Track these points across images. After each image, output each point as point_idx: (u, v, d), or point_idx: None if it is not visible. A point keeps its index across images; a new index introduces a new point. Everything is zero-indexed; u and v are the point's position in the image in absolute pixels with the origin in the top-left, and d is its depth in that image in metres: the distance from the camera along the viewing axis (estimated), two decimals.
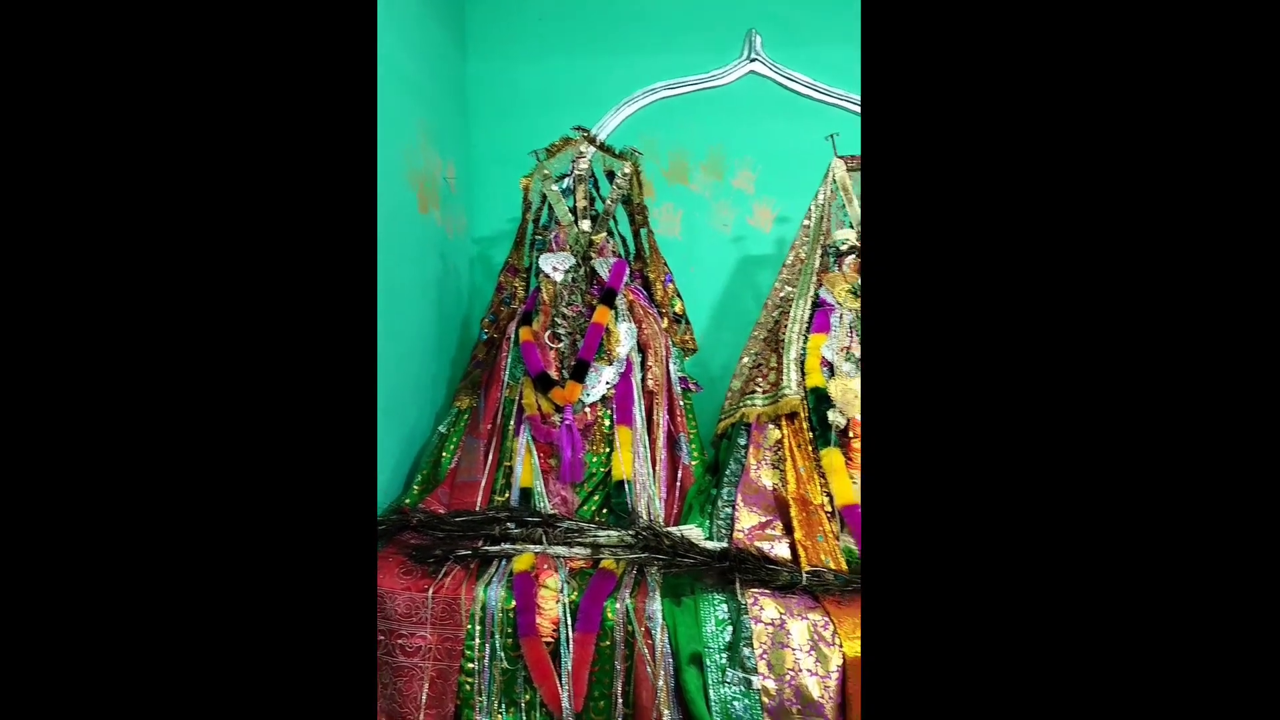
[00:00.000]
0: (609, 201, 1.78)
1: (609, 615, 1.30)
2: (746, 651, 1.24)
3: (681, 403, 1.74)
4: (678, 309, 1.84)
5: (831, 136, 1.72)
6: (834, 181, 1.71)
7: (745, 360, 1.79)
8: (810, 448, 1.53)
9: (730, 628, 1.27)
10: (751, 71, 2.32)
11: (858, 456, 1.50)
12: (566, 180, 1.78)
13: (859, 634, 1.24)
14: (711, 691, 1.22)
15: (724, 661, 1.24)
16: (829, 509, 1.48)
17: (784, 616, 1.27)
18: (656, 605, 1.30)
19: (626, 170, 1.77)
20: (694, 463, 1.67)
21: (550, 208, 1.80)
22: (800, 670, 1.22)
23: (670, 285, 1.84)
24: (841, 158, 1.71)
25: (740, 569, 1.34)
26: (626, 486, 1.55)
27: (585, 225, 1.77)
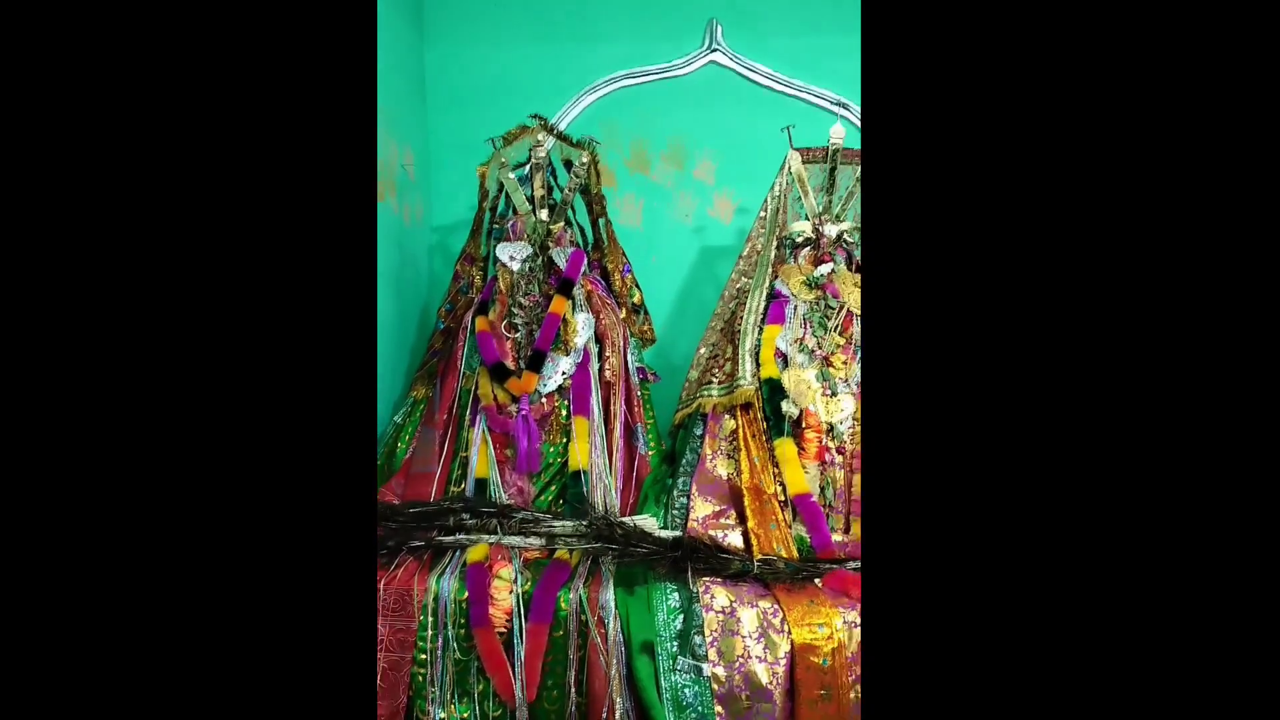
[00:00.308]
0: (567, 191, 1.77)
1: (562, 605, 1.30)
2: (697, 639, 1.25)
3: (639, 393, 1.74)
4: (636, 299, 1.84)
5: (788, 128, 1.73)
6: (790, 173, 1.72)
7: (703, 351, 1.80)
8: (764, 438, 1.55)
9: (682, 616, 1.28)
10: (712, 61, 2.33)
11: (811, 446, 1.52)
12: (524, 169, 1.77)
13: (807, 621, 1.26)
14: (662, 679, 1.24)
15: (675, 650, 1.26)
16: (782, 498, 1.50)
17: (735, 604, 1.29)
18: (609, 595, 1.31)
19: (584, 159, 1.77)
20: (650, 453, 1.68)
21: (508, 196, 1.78)
22: (750, 657, 1.24)
23: (628, 275, 1.84)
24: (798, 150, 1.73)
25: (692, 558, 1.35)
26: (582, 477, 1.55)
27: (543, 214, 1.76)
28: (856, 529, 1.46)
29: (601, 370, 1.67)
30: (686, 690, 1.23)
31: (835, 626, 1.25)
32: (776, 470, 1.52)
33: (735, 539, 1.46)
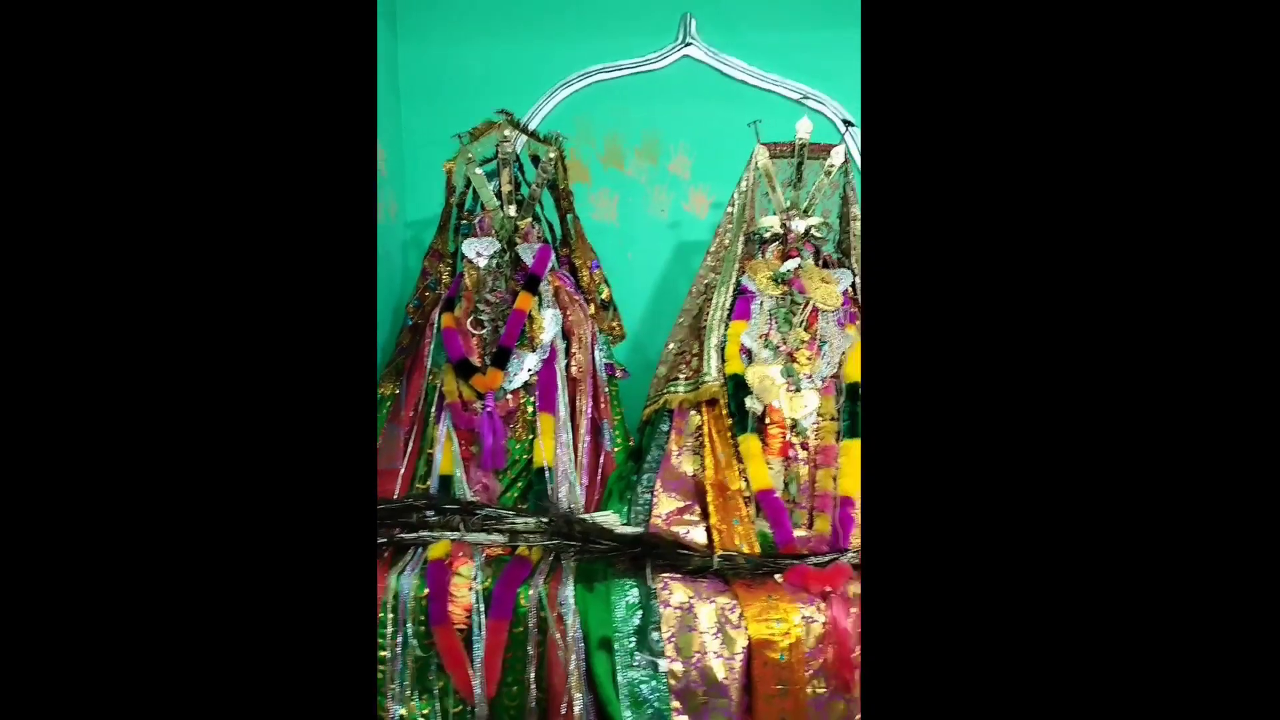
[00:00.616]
0: (534, 186, 1.77)
1: (521, 602, 1.30)
2: (655, 635, 1.26)
3: (607, 389, 1.74)
4: (605, 295, 1.84)
5: (755, 123, 1.73)
6: (757, 168, 1.72)
7: (671, 347, 1.80)
8: (729, 434, 1.55)
9: (640, 612, 1.29)
10: (686, 56, 2.32)
11: (775, 442, 1.52)
12: (491, 164, 1.76)
13: (765, 617, 1.26)
14: (619, 675, 1.24)
15: (633, 646, 1.26)
16: (747, 494, 1.50)
17: (693, 600, 1.29)
18: (569, 591, 1.31)
19: (551, 155, 1.76)
20: (617, 449, 1.68)
21: (476, 192, 1.78)
22: (707, 652, 1.24)
23: (597, 271, 1.83)
24: (765, 144, 1.72)
25: (652, 554, 1.35)
26: (547, 473, 1.55)
27: (511, 210, 1.75)
28: (820, 524, 1.46)
29: (568, 367, 1.67)
30: (643, 686, 1.24)
31: (793, 622, 1.26)
32: (741, 466, 1.52)
33: (699, 534, 1.46)
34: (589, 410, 1.67)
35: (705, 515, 1.48)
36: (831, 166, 1.69)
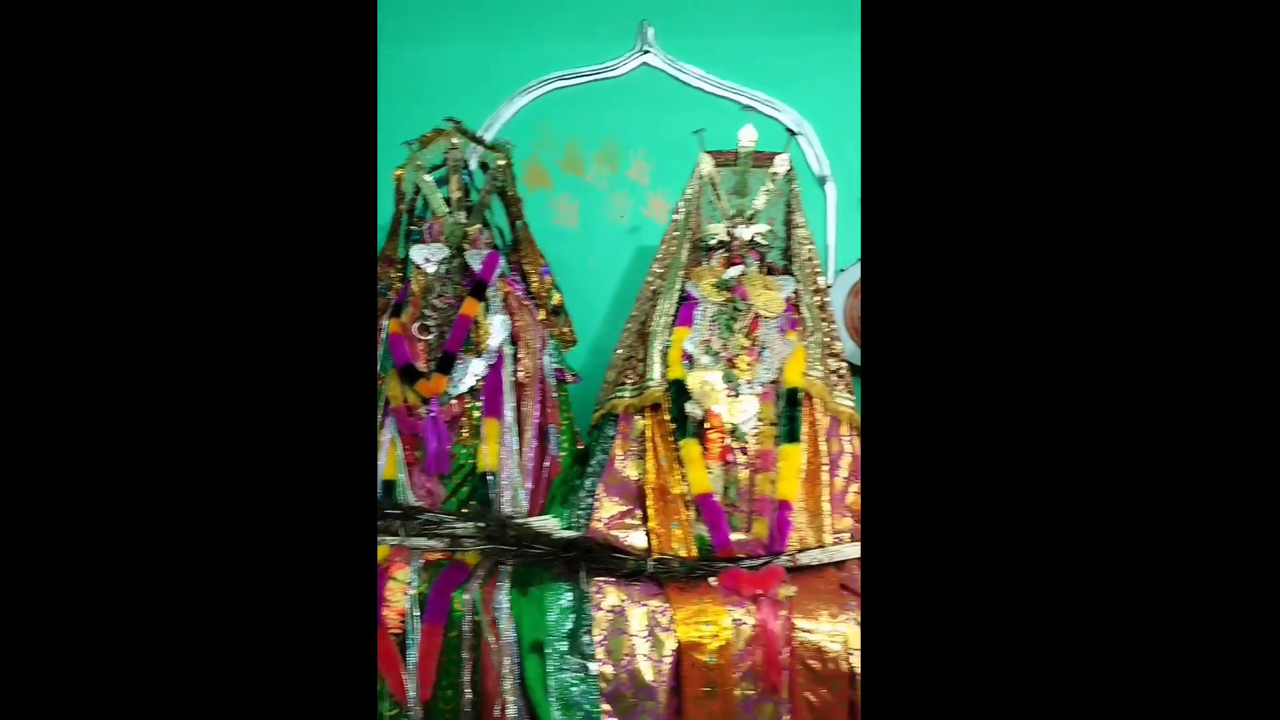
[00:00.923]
0: (483, 193, 1.78)
1: (456, 606, 1.32)
2: (586, 639, 1.27)
3: (555, 394, 1.75)
4: (556, 301, 1.85)
5: (699, 131, 1.75)
6: (701, 177, 1.74)
7: (620, 352, 1.81)
8: (671, 439, 1.56)
9: (573, 616, 1.30)
10: (644, 63, 2.34)
11: (714, 447, 1.54)
12: (441, 170, 1.78)
13: (695, 619, 1.28)
14: (550, 678, 1.26)
15: (564, 649, 1.27)
16: (688, 498, 1.52)
17: (625, 603, 1.30)
18: (504, 595, 1.32)
19: (500, 162, 1.78)
20: (563, 454, 1.70)
21: (425, 199, 1.79)
22: (636, 655, 1.26)
23: (548, 277, 1.85)
24: (710, 153, 1.74)
25: (587, 558, 1.37)
26: (491, 479, 1.56)
27: (460, 216, 1.77)
28: (757, 527, 1.48)
29: (515, 372, 1.68)
30: (574, 689, 1.25)
31: (723, 625, 1.27)
32: (682, 470, 1.54)
33: (637, 539, 1.48)
34: (536, 415, 1.69)
35: (646, 519, 1.50)
36: (776, 175, 1.71)
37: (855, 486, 1.57)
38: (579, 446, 1.76)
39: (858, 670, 1.24)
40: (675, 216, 1.79)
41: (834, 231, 2.22)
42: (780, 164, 1.71)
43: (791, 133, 1.77)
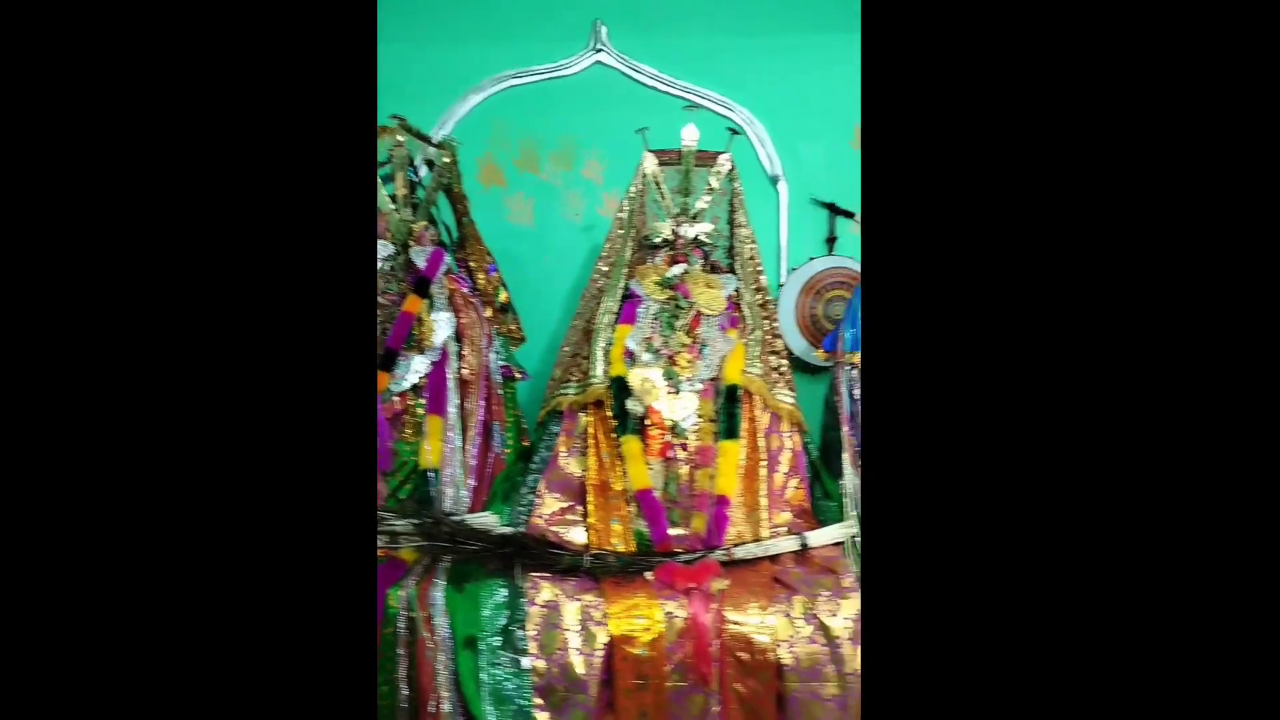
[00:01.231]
0: (429, 190, 1.78)
1: (392, 603, 1.32)
2: (519, 634, 1.28)
3: (501, 391, 1.76)
4: (503, 298, 1.86)
5: (642, 130, 1.76)
6: (645, 175, 1.76)
7: (566, 350, 1.82)
8: (613, 435, 1.58)
9: (507, 611, 1.31)
10: (597, 62, 2.35)
11: (655, 443, 1.55)
12: (386, 167, 1.77)
13: (629, 613, 1.29)
14: (483, 673, 1.26)
15: (498, 644, 1.28)
16: (629, 494, 1.53)
17: (559, 598, 1.31)
18: (439, 592, 1.33)
19: (445, 159, 1.78)
20: (507, 451, 1.70)
21: None
22: (568, 649, 1.27)
23: (494, 275, 1.85)
24: (653, 151, 1.76)
25: (523, 554, 1.37)
26: (431, 476, 1.56)
27: (406, 213, 1.76)
28: (696, 522, 1.50)
29: (460, 369, 1.69)
30: (507, 684, 1.26)
31: (655, 618, 1.29)
32: (624, 466, 1.55)
33: (576, 535, 1.49)
34: (480, 413, 1.69)
35: (587, 515, 1.51)
36: (719, 173, 1.73)
37: (795, 481, 1.60)
38: (524, 443, 1.77)
39: (785, 662, 1.26)
40: (619, 214, 1.80)
41: (786, 230, 2.25)
42: (723, 163, 1.73)
43: (734, 131, 1.78)
